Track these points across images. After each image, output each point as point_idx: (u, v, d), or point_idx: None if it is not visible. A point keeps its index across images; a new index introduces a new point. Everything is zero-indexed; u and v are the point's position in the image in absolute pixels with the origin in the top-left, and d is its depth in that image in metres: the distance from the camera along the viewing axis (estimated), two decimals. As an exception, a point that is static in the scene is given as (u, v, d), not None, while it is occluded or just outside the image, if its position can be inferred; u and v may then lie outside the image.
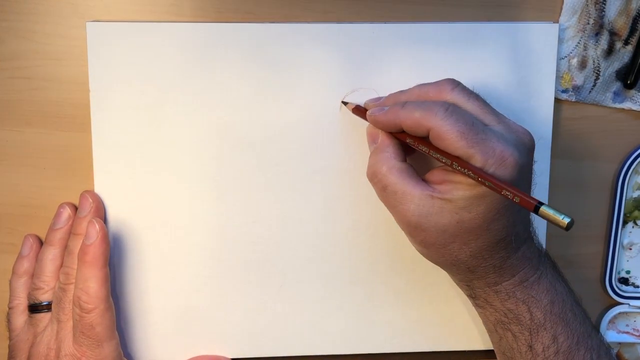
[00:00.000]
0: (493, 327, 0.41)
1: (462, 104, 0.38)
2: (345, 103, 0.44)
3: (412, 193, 0.38)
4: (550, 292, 0.40)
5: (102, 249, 0.42)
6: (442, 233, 0.38)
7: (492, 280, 0.39)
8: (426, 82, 0.41)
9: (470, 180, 0.36)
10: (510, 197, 0.35)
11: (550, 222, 0.33)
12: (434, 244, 0.38)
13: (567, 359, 0.39)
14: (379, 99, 0.43)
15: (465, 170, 0.36)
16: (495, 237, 0.38)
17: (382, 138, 0.40)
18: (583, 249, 0.49)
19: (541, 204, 0.34)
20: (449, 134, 0.36)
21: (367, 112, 0.41)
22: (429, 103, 0.38)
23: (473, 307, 0.43)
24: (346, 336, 0.47)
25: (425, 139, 0.38)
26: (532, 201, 0.34)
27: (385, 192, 0.39)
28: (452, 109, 0.37)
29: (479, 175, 0.35)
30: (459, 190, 0.37)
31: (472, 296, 0.41)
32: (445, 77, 0.40)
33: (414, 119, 0.37)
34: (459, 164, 0.36)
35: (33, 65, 0.44)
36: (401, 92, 0.42)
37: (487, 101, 0.44)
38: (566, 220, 0.33)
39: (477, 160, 0.35)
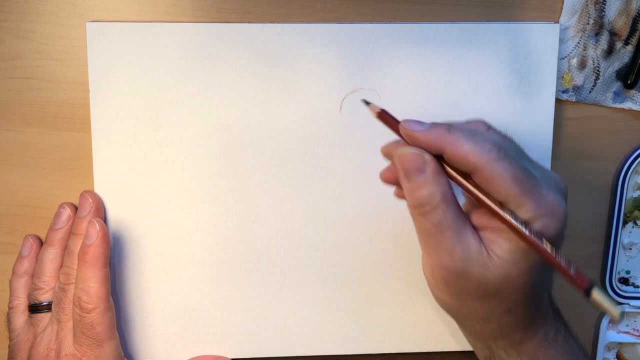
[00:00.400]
0: None
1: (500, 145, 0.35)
2: (367, 103, 0.38)
3: (465, 235, 0.34)
4: (567, 350, 0.37)
5: (102, 249, 0.42)
6: (484, 285, 0.34)
7: (518, 339, 0.36)
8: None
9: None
10: (565, 267, 0.32)
11: (599, 308, 0.30)
12: (471, 295, 0.35)
13: None
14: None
15: (515, 225, 0.33)
16: (532, 293, 0.35)
17: (434, 164, 0.34)
18: (583, 249, 0.49)
19: (592, 284, 0.31)
20: (502, 178, 0.32)
21: (402, 123, 0.35)
22: (480, 137, 0.34)
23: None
24: (346, 336, 0.47)
25: (464, 173, 0.34)
26: (585, 280, 0.31)
27: (437, 229, 0.34)
28: (505, 152, 0.33)
29: (529, 241, 0.32)
30: (505, 241, 0.33)
31: (490, 358, 0.38)
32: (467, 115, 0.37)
33: (463, 151, 0.33)
34: (506, 215, 0.33)
35: (33, 65, 0.44)
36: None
37: (488, 102, 0.44)
38: (619, 312, 0.30)
39: (528, 210, 0.32)
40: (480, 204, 0.34)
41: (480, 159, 0.33)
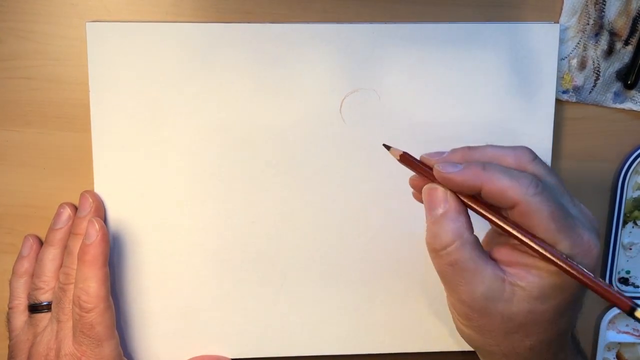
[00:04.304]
0: None
1: (541, 178, 0.34)
2: (388, 147, 0.38)
3: (484, 273, 0.33)
4: None
5: (102, 249, 0.42)
6: (508, 321, 0.34)
7: None
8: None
9: (548, 268, 0.33)
10: (609, 292, 0.32)
11: None
12: (494, 332, 0.35)
13: None
14: (440, 153, 0.37)
15: (551, 257, 0.32)
16: (558, 331, 0.35)
17: (453, 203, 0.34)
18: (583, 249, 0.49)
19: (637, 305, 0.31)
20: (539, 214, 0.32)
21: (435, 167, 0.35)
22: (516, 173, 0.33)
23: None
24: (346, 336, 0.47)
25: (498, 210, 0.34)
26: (627, 302, 0.31)
27: (452, 268, 0.34)
28: (542, 186, 0.33)
29: (568, 266, 0.32)
30: (534, 277, 0.33)
31: None
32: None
33: (499, 187, 0.33)
34: (544, 248, 0.32)
35: (33, 65, 0.44)
36: (470, 148, 0.36)
37: (488, 102, 0.44)
38: None
39: (565, 247, 0.32)
40: (514, 238, 0.33)
41: (518, 194, 0.32)
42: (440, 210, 0.34)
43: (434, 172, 0.35)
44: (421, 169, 0.36)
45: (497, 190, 0.33)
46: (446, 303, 0.47)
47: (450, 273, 0.34)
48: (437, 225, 0.34)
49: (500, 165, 0.34)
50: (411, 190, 0.38)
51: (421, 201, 0.36)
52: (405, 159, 0.37)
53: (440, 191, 0.35)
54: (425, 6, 0.45)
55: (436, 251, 0.34)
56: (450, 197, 0.34)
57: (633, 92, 0.47)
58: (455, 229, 0.34)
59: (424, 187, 0.36)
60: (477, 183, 0.33)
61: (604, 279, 0.49)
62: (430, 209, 0.35)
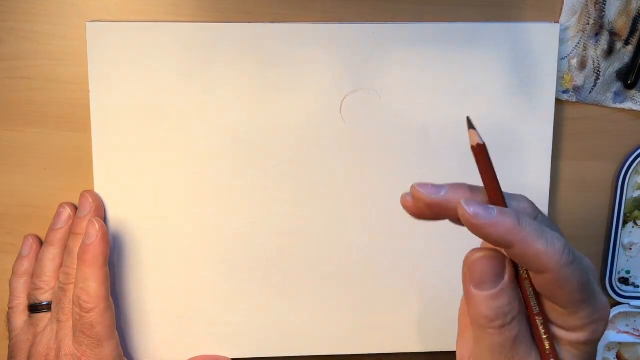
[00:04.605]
0: None
1: None
2: (471, 125, 0.32)
3: (534, 349, 0.31)
4: None
5: (102, 248, 0.42)
6: None
7: None
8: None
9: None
10: None
11: None
12: None
13: None
14: (437, 187, 0.31)
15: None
16: None
17: (512, 268, 0.31)
18: (583, 249, 0.49)
19: None
20: (568, 285, 0.29)
21: (464, 206, 0.29)
22: (550, 235, 0.29)
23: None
24: (346, 336, 0.47)
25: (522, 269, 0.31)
26: None
27: (512, 343, 0.31)
28: (573, 253, 0.29)
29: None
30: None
31: None
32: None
33: (534, 251, 0.29)
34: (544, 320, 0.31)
35: (33, 65, 0.44)
36: (472, 189, 0.31)
37: (488, 102, 0.44)
38: None
39: (584, 317, 0.30)
40: (526, 306, 0.31)
41: (553, 263, 0.29)
42: (503, 282, 0.30)
43: (460, 213, 0.29)
44: (486, 174, 0.31)
45: (531, 254, 0.29)
46: (446, 304, 0.47)
47: (508, 349, 0.31)
48: (500, 299, 0.30)
49: (532, 220, 0.30)
50: (410, 190, 0.33)
51: (411, 211, 0.33)
52: (478, 151, 0.31)
53: (501, 258, 0.31)
54: (425, 6, 0.45)
55: (499, 326, 0.30)
56: (509, 261, 0.31)
57: (633, 92, 0.47)
58: (518, 299, 0.31)
59: (472, 255, 0.31)
60: (509, 240, 0.29)
61: (604, 279, 0.49)
62: (488, 279, 0.30)
